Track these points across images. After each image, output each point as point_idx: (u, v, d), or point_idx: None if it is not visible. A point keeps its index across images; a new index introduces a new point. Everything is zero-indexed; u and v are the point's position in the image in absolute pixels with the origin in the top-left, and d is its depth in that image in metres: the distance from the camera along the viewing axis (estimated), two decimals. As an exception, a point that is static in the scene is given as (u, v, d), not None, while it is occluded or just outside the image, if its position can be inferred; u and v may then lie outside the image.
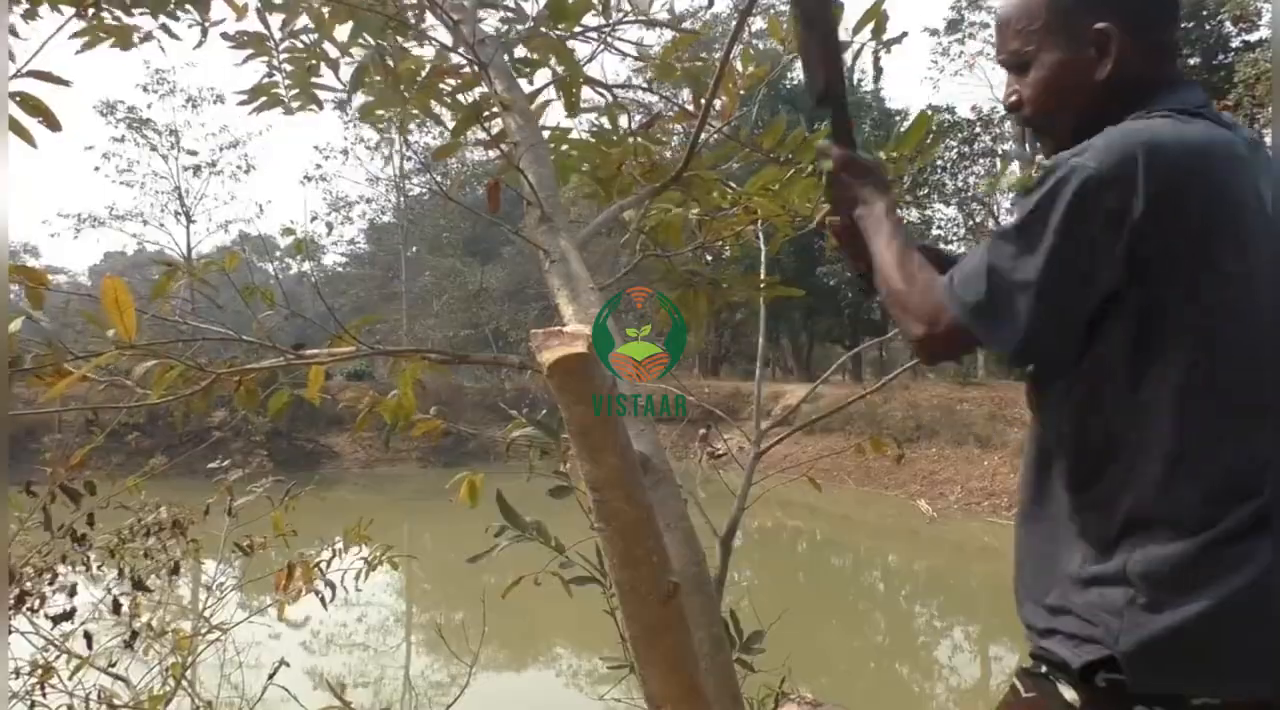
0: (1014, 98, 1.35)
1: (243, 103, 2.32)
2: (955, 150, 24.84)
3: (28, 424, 27.58)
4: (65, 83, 1.73)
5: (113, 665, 3.46)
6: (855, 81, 31.33)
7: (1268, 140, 1.29)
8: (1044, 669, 1.21)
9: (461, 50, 2.06)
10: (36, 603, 3.21)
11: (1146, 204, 1.09)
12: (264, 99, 2.24)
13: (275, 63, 2.23)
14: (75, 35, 2.03)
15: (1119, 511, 1.15)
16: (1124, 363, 1.15)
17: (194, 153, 31.65)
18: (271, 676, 3.48)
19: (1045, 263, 1.13)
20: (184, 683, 3.30)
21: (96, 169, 31.79)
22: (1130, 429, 1.15)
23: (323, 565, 3.31)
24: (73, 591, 3.50)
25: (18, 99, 1.64)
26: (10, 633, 3.10)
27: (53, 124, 1.69)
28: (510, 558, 2.14)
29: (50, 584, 3.36)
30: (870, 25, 2.02)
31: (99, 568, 3.70)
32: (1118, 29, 1.24)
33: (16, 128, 1.64)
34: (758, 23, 32.20)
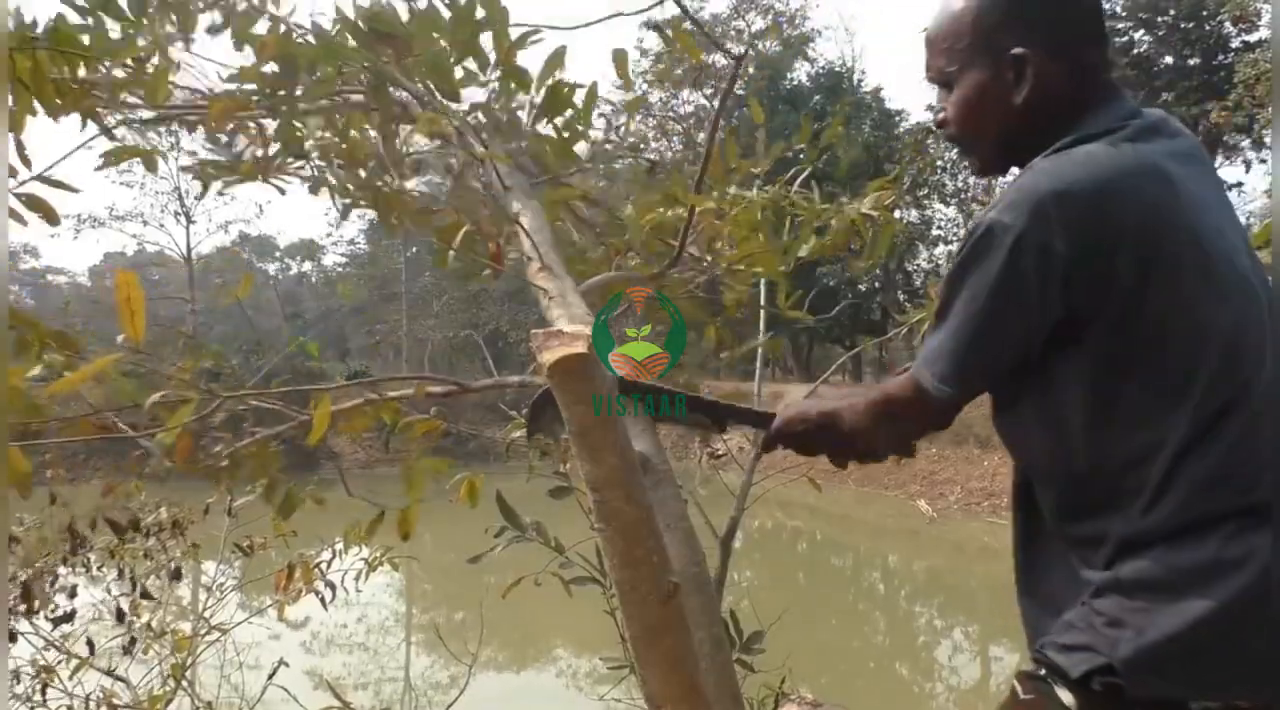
0: (941, 115, 1.37)
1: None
2: (955, 151, 24.83)
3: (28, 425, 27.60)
4: (74, 190, 1.77)
5: (113, 669, 3.46)
6: (855, 81, 31.36)
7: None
8: (1043, 671, 1.22)
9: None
10: (37, 604, 3.21)
11: (1068, 249, 1.12)
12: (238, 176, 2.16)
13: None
14: (103, 159, 2.03)
15: (1109, 522, 1.16)
16: (1086, 389, 1.17)
17: (194, 153, 31.63)
18: (271, 677, 3.49)
19: (978, 328, 1.18)
20: (184, 683, 3.30)
21: (96, 169, 31.50)
22: (1107, 446, 1.17)
23: (323, 566, 3.31)
24: (73, 593, 3.50)
25: (23, 199, 1.68)
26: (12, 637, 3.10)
27: (52, 219, 1.72)
28: (510, 558, 2.14)
29: (51, 585, 3.36)
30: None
31: (99, 568, 3.70)
32: (1037, 53, 1.25)
33: (16, 216, 1.68)
34: (758, 23, 32.33)
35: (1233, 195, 25.40)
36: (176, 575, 3.84)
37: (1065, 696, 1.17)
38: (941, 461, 19.44)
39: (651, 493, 1.53)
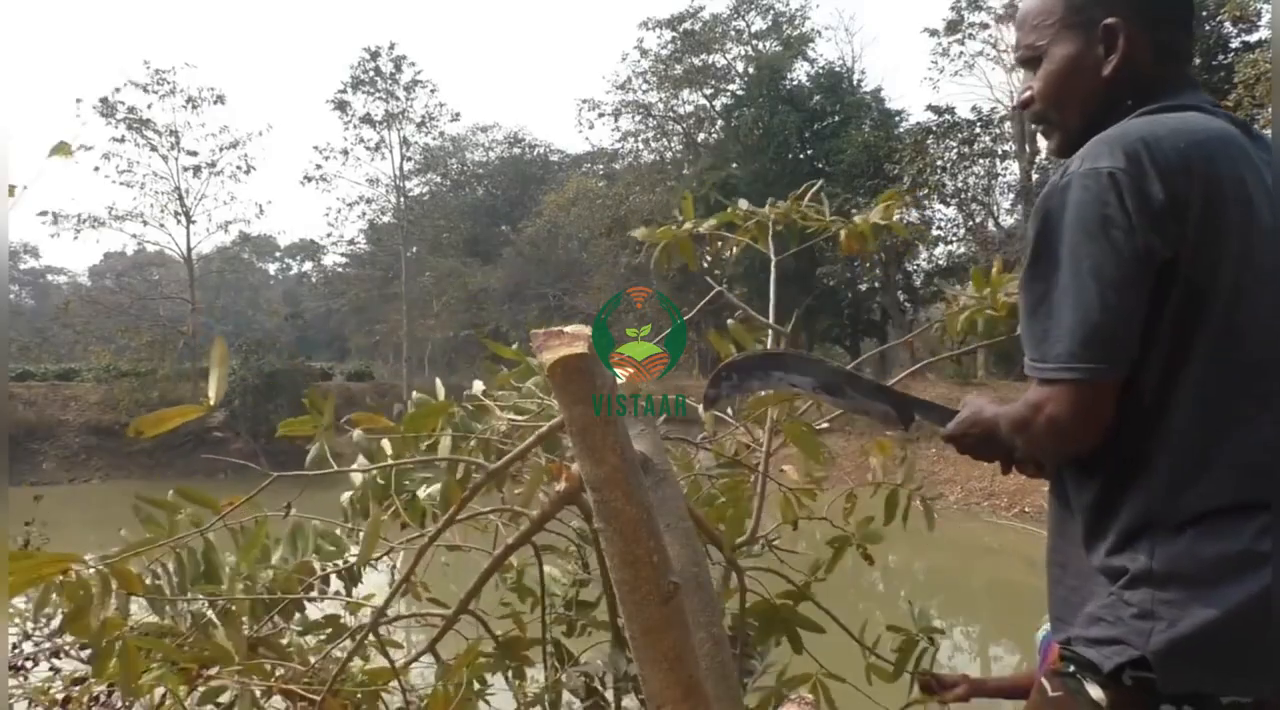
0: (1027, 93, 1.37)
1: None
2: (955, 151, 24.80)
3: (29, 426, 27.64)
4: None
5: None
6: (855, 82, 31.36)
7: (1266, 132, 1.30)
8: (1071, 669, 1.20)
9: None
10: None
11: (1162, 195, 1.09)
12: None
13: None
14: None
15: (1142, 512, 1.15)
16: (1148, 354, 1.13)
17: (194, 153, 31.67)
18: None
19: (1100, 272, 1.10)
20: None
21: (96, 169, 31.46)
22: (1149, 428, 1.14)
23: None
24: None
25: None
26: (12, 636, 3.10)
27: None
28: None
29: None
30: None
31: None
32: (1126, 25, 1.26)
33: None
34: (758, 23, 32.32)
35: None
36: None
37: (1095, 692, 1.16)
38: (942, 461, 19.43)
39: (651, 493, 1.53)
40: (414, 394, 2.00)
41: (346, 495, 1.95)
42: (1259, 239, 1.13)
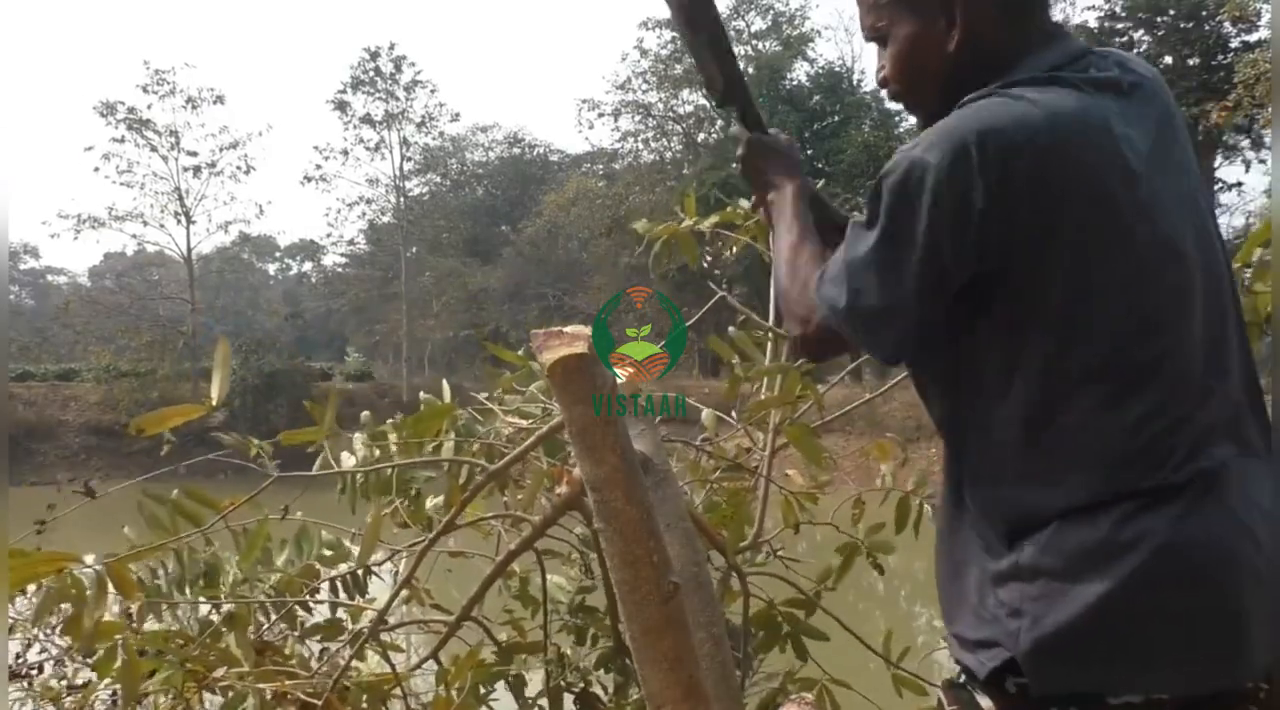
0: (882, 73, 1.30)
1: None
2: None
3: (29, 426, 27.63)
4: None
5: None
6: (855, 82, 31.35)
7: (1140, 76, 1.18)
8: (963, 679, 1.16)
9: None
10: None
11: (987, 193, 1.05)
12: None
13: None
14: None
15: (1011, 507, 1.11)
16: (988, 352, 1.12)
17: (194, 153, 31.68)
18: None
19: (897, 265, 1.11)
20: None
21: (96, 170, 31.47)
22: (1004, 419, 1.11)
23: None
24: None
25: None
26: (11, 634, 3.10)
27: None
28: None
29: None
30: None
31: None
32: None
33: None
34: (757, 23, 32.33)
35: (1232, 195, 25.56)
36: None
37: (984, 701, 1.11)
38: (942, 461, 19.44)
39: (652, 493, 1.53)
40: (422, 394, 2.00)
41: (349, 460, 1.93)
42: (1112, 228, 1.07)
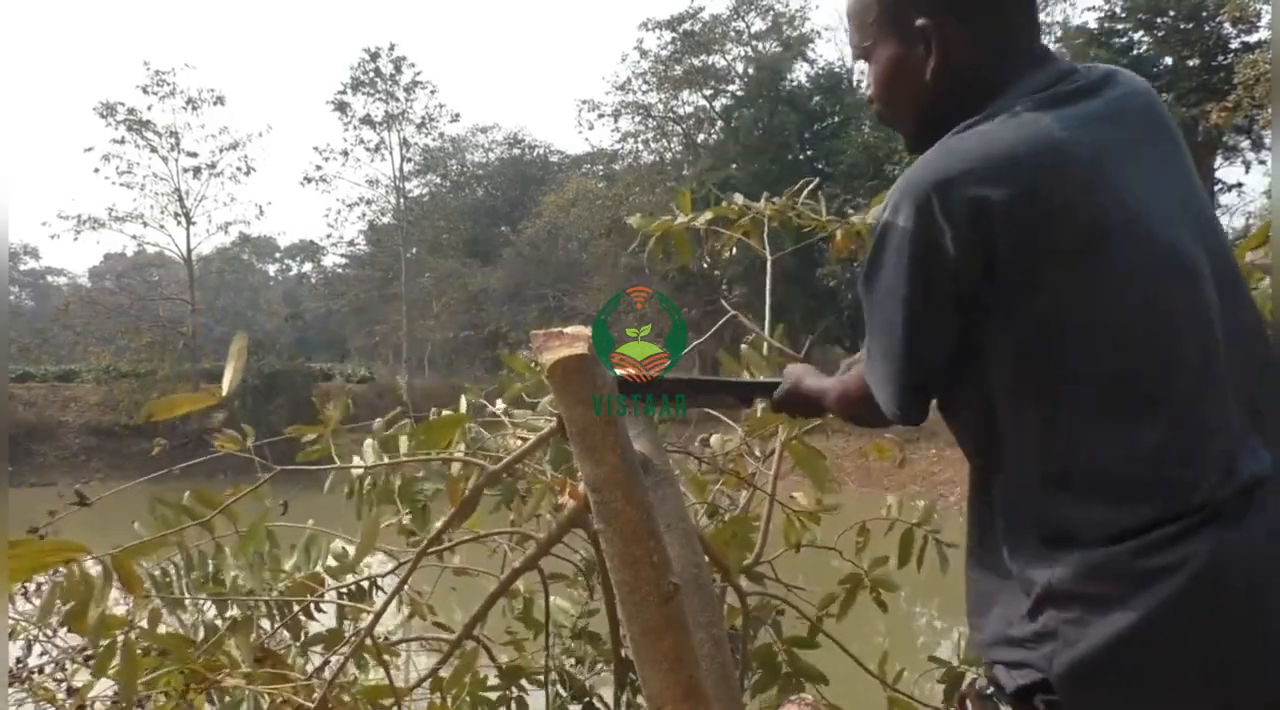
0: (869, 91, 1.31)
1: None
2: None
3: (29, 427, 27.63)
4: None
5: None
6: (855, 82, 31.33)
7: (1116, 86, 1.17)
8: (990, 690, 1.17)
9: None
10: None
11: (955, 245, 1.06)
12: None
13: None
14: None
15: (1042, 530, 1.10)
16: (1003, 389, 1.12)
17: (194, 154, 31.68)
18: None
19: (900, 332, 1.16)
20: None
21: (96, 171, 31.48)
22: (1031, 445, 1.11)
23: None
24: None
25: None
26: (11, 635, 3.10)
27: None
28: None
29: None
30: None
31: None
32: (943, 22, 1.17)
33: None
34: (757, 23, 32.32)
35: (1232, 196, 25.54)
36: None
37: None
38: (941, 462, 19.44)
39: (652, 493, 1.53)
40: (434, 411, 1.97)
41: (358, 469, 1.92)
42: (1102, 247, 1.05)
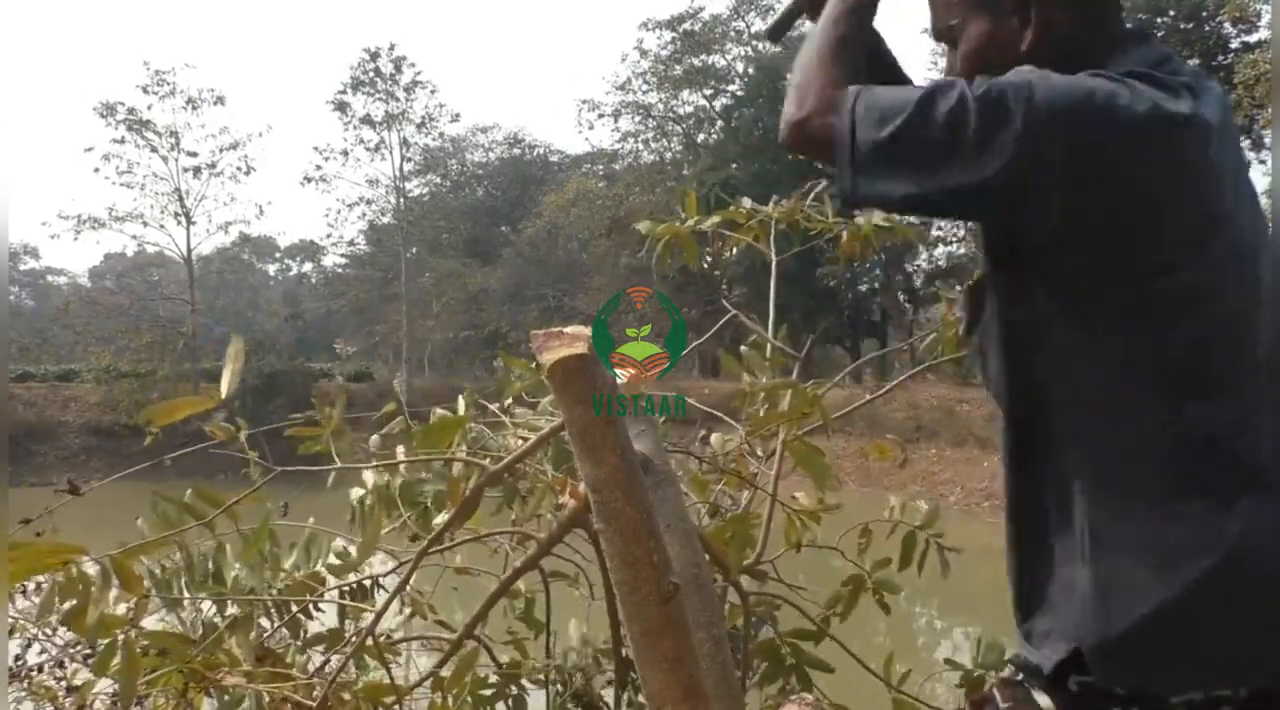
0: (951, 74, 1.25)
1: None
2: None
3: (29, 426, 27.62)
4: None
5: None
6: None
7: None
8: (1020, 676, 1.15)
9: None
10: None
11: (1085, 160, 1.02)
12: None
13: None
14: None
15: (1083, 500, 1.07)
16: (1065, 337, 1.08)
17: (194, 154, 31.67)
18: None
19: (980, 160, 1.03)
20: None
21: (96, 171, 31.47)
22: (1081, 410, 1.08)
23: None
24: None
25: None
26: (10, 633, 3.10)
27: None
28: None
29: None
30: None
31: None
32: None
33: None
34: (757, 23, 32.27)
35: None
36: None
37: (1042, 700, 1.10)
38: (941, 462, 19.47)
39: (652, 493, 1.53)
40: (436, 410, 1.97)
41: (357, 492, 1.93)
42: (1208, 216, 1.05)
